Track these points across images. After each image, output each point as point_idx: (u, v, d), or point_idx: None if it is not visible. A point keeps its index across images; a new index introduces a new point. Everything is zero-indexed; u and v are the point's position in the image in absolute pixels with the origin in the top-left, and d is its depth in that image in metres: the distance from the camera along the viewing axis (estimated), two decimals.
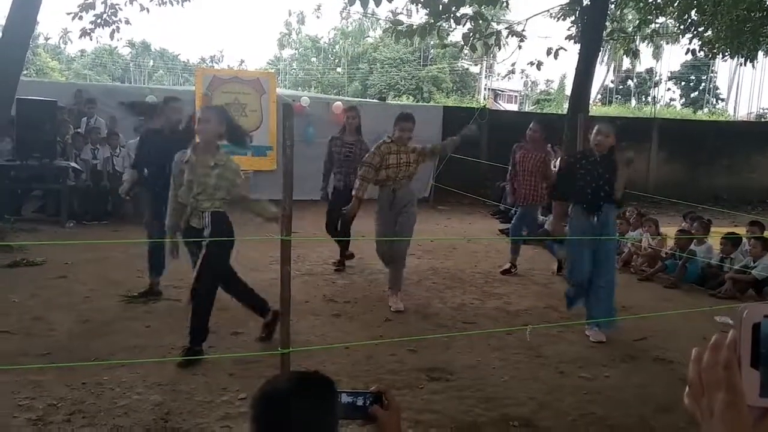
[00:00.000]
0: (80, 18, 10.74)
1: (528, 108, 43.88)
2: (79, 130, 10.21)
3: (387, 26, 12.17)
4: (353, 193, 5.78)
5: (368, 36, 51.18)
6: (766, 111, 41.61)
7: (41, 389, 3.81)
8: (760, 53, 13.79)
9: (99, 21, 10.89)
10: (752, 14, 11.66)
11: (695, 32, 12.94)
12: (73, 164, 9.37)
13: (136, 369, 4.12)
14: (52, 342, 4.54)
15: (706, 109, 43.21)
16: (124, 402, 3.72)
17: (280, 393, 1.49)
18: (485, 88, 50.51)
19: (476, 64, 47.33)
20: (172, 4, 11.38)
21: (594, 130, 5.10)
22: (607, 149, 5.05)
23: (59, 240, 7.58)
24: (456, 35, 11.68)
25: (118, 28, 11.06)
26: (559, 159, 10.43)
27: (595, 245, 5.06)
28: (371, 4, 9.20)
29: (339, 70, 51.43)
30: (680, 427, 3.53)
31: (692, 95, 49.71)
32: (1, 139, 8.96)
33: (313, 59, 54.16)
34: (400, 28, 9.77)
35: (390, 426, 1.80)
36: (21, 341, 4.56)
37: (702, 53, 14.03)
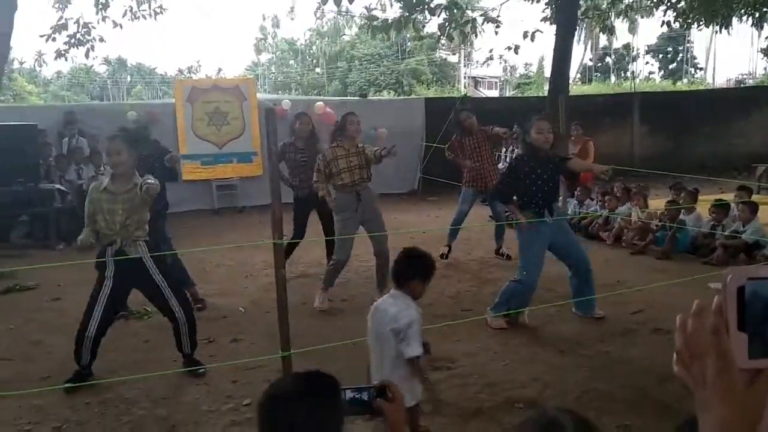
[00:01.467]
0: (54, 39, 10.66)
1: (509, 93, 43.97)
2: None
3: (362, 23, 12.16)
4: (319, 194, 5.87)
5: (344, 34, 51.11)
6: (744, 77, 41.88)
7: (45, 413, 3.80)
8: (735, 19, 13.85)
9: (73, 41, 10.81)
10: None
11: (669, 4, 12.99)
12: (58, 186, 9.32)
13: (138, 384, 4.11)
14: (52, 365, 4.52)
15: (685, 80, 43.48)
16: (129, 418, 3.71)
17: (284, 394, 1.50)
18: (465, 77, 50.58)
19: (454, 54, 47.39)
20: (145, 18, 11.31)
21: (534, 128, 4.92)
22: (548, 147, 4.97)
23: (49, 263, 7.53)
24: (431, 26, 11.68)
25: (92, 46, 10.98)
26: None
27: (549, 243, 5.02)
28: (344, 2, 9.22)
29: (318, 70, 51.34)
30: (683, 395, 3.57)
31: (670, 67, 50.00)
32: None
33: (291, 62, 54.05)
34: (375, 23, 9.77)
35: (395, 418, 1.82)
36: (21, 366, 4.54)
37: (677, 24, 14.09)
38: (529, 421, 1.09)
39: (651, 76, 49.13)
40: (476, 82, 51.29)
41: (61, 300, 6.23)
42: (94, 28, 10.88)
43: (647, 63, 52.36)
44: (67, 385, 4.08)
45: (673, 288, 5.70)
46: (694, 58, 50.93)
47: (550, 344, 4.61)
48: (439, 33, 10.63)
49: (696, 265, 6.87)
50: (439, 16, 10.07)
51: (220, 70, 59.17)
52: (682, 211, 7.52)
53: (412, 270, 3.02)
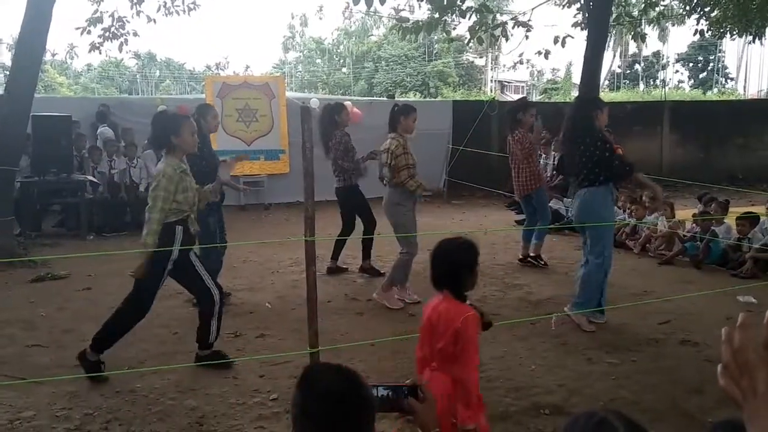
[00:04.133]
0: (89, 32, 10.82)
1: (536, 98, 43.69)
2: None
3: (391, 24, 12.19)
4: None
5: (372, 34, 51.24)
6: None
7: (77, 399, 3.88)
8: None
9: (107, 34, 10.97)
10: None
11: (701, 13, 12.86)
12: (90, 177, 9.46)
13: (168, 375, 4.18)
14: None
15: (715, 89, 42.89)
16: (159, 408, 3.77)
17: (322, 388, 1.48)
18: (491, 80, 50.41)
19: (481, 57, 47.27)
20: (179, 14, 11.45)
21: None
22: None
23: (81, 253, 7.66)
24: (461, 28, 11.70)
25: (126, 40, 11.14)
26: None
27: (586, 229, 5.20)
28: (375, 2, 9.24)
29: (344, 70, 51.56)
30: (711, 408, 3.55)
31: (701, 76, 49.37)
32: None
33: (318, 60, 54.30)
34: (406, 25, 9.77)
35: (426, 417, 1.84)
36: (54, 353, 4.64)
37: (709, 33, 13.94)
38: (579, 422, 1.10)
39: (680, 84, 48.61)
40: (503, 85, 51.08)
41: (92, 290, 6.33)
42: (128, 22, 11.05)
43: (677, 71, 51.82)
44: (215, 362, 4.33)
45: (701, 300, 5.66)
46: (726, 67, 50.29)
47: (578, 351, 4.59)
48: (469, 36, 10.62)
49: (725, 277, 6.80)
50: (469, 19, 10.06)
51: (248, 67, 59.72)
52: (713, 222, 7.44)
53: None
